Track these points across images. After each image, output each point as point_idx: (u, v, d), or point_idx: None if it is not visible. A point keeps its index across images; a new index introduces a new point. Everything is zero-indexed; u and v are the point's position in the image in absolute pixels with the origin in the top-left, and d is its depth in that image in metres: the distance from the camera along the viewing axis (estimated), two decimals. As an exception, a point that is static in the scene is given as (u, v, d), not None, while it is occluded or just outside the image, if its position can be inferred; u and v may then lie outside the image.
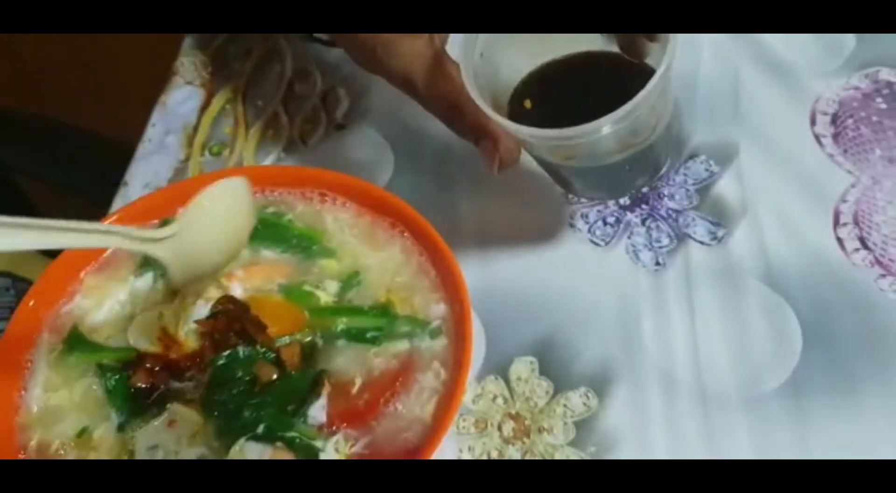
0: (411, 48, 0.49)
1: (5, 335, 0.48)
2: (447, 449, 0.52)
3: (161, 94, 0.74)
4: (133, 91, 1.13)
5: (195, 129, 0.71)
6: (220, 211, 0.43)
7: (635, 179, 0.55)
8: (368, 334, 0.47)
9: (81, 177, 0.91)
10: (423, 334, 0.48)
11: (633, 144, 0.49)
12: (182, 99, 0.73)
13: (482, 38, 0.48)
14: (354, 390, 0.46)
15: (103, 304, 0.50)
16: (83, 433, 0.46)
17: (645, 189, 0.56)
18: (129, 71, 1.30)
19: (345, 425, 0.45)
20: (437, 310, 0.48)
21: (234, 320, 0.46)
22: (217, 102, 0.72)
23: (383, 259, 0.51)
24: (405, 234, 0.51)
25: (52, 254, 0.97)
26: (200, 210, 0.42)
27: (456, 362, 0.46)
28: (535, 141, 0.46)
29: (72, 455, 0.45)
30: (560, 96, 0.53)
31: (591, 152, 0.48)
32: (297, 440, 0.44)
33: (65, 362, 0.48)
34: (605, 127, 0.44)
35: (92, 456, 0.45)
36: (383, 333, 0.47)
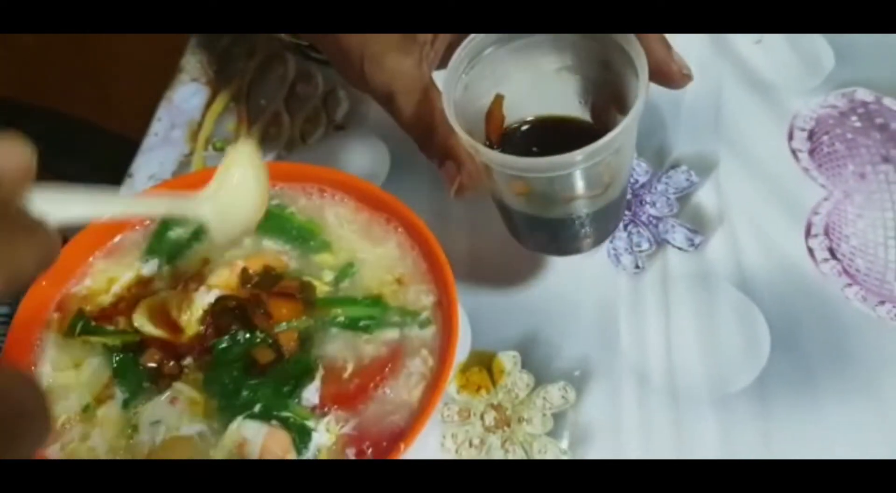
0: (398, 65, 0.51)
1: (18, 314, 0.50)
2: (431, 436, 0.55)
3: (167, 90, 0.76)
4: (133, 86, 1.16)
5: (200, 125, 0.73)
6: (247, 170, 0.45)
7: (578, 240, 0.56)
8: (361, 323, 0.50)
9: (81, 168, 0.93)
10: (413, 323, 0.51)
11: (583, 197, 0.50)
12: (188, 95, 0.76)
13: (470, 75, 0.50)
14: (346, 374, 0.49)
15: (110, 288, 0.53)
16: (88, 409, 0.48)
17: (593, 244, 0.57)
18: (130, 64, 1.32)
19: (336, 407, 0.47)
20: (427, 301, 0.51)
21: (241, 309, 0.49)
22: (221, 100, 0.75)
23: (379, 254, 0.53)
24: (399, 230, 0.54)
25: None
26: (230, 171, 0.45)
27: (443, 349, 0.49)
28: (497, 168, 0.47)
29: (77, 429, 0.48)
30: (527, 143, 0.54)
31: (545, 191, 0.49)
32: (292, 420, 0.47)
33: (72, 343, 0.51)
34: (567, 164, 0.46)
35: (96, 431, 0.47)
36: (375, 322, 0.50)
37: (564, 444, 0.55)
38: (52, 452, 0.47)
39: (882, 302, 0.59)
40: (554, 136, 0.49)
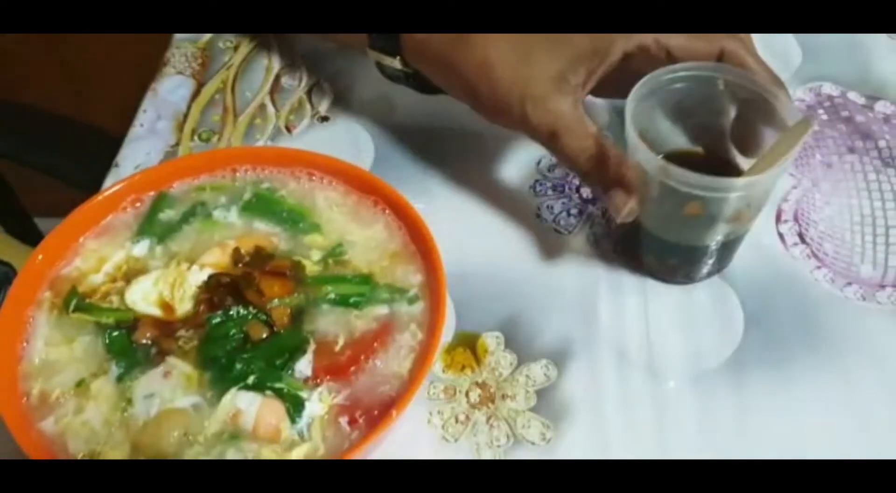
0: (559, 106, 0.55)
1: (10, 293, 0.51)
2: (419, 413, 0.56)
3: (152, 82, 0.77)
4: (112, 81, 1.16)
5: (185, 116, 0.74)
6: None
7: (702, 268, 0.60)
8: (351, 300, 0.52)
9: (68, 163, 0.93)
10: (402, 300, 0.52)
11: (739, 222, 0.56)
12: (173, 87, 0.77)
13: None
14: (338, 347, 0.50)
15: (101, 268, 0.53)
16: (81, 384, 0.49)
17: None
18: (108, 60, 1.32)
19: (328, 378, 0.49)
20: (415, 280, 0.53)
21: (234, 286, 0.50)
22: (207, 92, 0.76)
23: (368, 236, 0.55)
24: (387, 212, 0.56)
25: (24, 239, 0.99)
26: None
27: (431, 324, 0.50)
28: (683, 188, 0.51)
29: (71, 404, 0.48)
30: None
31: (713, 213, 0.54)
32: (285, 390, 0.48)
33: (64, 321, 0.51)
34: (760, 183, 0.51)
35: (91, 405, 0.48)
36: (365, 298, 0.52)
37: (547, 419, 0.56)
38: (47, 425, 0.47)
39: (849, 283, 0.61)
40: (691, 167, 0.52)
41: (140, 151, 0.71)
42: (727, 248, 0.59)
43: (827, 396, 0.57)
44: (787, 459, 0.53)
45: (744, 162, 0.58)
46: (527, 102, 0.56)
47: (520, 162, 0.70)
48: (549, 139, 0.56)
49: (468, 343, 0.60)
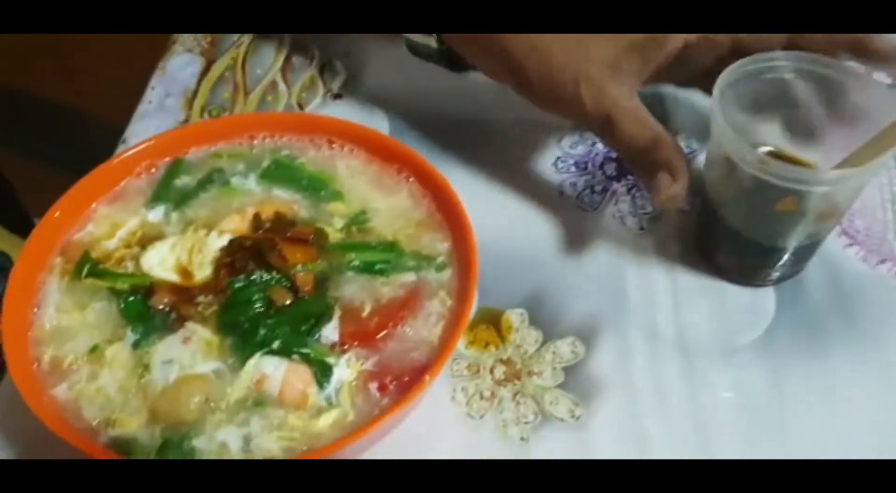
0: (617, 92, 0.54)
1: (20, 258, 0.48)
2: (442, 391, 0.54)
3: (160, 60, 0.75)
4: (110, 66, 1.13)
5: (195, 93, 0.72)
6: None
7: (778, 268, 0.58)
8: (377, 267, 0.50)
9: (69, 153, 0.91)
10: (429, 267, 0.50)
11: (827, 220, 0.54)
12: (181, 65, 0.75)
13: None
14: (364, 314, 0.48)
15: (115, 233, 0.51)
16: (95, 350, 0.47)
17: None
18: (103, 46, 1.29)
19: (356, 344, 0.47)
20: (442, 247, 0.51)
21: (256, 251, 0.48)
22: (216, 69, 0.74)
23: (392, 204, 0.53)
24: (411, 179, 0.54)
25: (17, 230, 0.96)
26: None
27: (461, 290, 0.48)
28: (781, 183, 0.49)
29: (85, 370, 0.46)
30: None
31: (807, 208, 0.51)
32: (312, 355, 0.45)
33: (76, 287, 0.49)
34: (858, 175, 0.50)
35: (105, 371, 0.46)
36: (391, 265, 0.50)
37: (576, 396, 0.54)
38: (60, 391, 0.45)
39: (882, 261, 0.60)
40: None
41: (149, 127, 0.69)
42: (807, 249, 0.57)
43: (862, 374, 0.55)
44: (827, 459, 0.51)
45: (816, 160, 0.56)
46: (581, 83, 0.53)
47: (540, 138, 0.68)
48: (604, 125, 0.54)
49: (491, 320, 0.58)
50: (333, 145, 0.55)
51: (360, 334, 0.47)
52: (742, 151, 0.50)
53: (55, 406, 0.44)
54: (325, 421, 0.44)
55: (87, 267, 0.49)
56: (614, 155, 0.67)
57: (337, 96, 0.72)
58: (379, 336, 0.47)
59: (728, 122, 0.51)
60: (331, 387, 0.45)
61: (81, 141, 0.91)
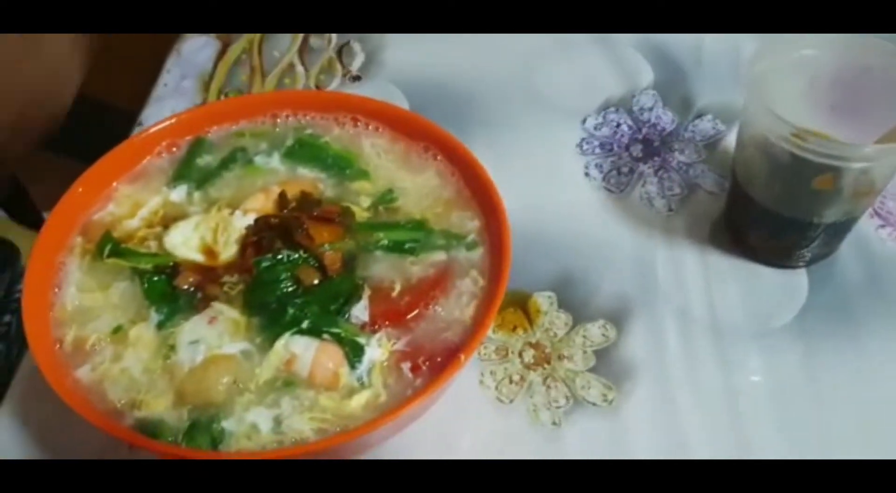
0: None
1: (39, 238, 0.47)
2: (470, 374, 0.53)
3: (175, 43, 0.74)
4: (123, 55, 1.12)
5: (211, 75, 0.71)
6: None
7: (810, 248, 0.56)
8: (406, 246, 0.48)
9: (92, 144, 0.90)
10: (460, 245, 0.49)
11: (862, 198, 0.53)
12: (197, 48, 0.73)
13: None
14: (394, 293, 0.47)
15: (136, 213, 0.50)
16: (119, 331, 0.45)
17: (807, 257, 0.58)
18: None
19: (387, 323, 0.45)
20: (472, 225, 0.50)
21: (283, 229, 0.46)
22: (233, 52, 0.73)
23: (419, 183, 0.52)
24: (438, 157, 0.52)
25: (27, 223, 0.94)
26: None
27: (494, 269, 0.47)
28: (817, 159, 0.48)
29: (108, 351, 0.45)
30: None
31: (843, 186, 0.50)
32: (343, 335, 0.44)
33: (98, 267, 0.48)
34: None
35: (129, 352, 0.45)
36: (420, 244, 0.48)
37: (608, 380, 0.53)
38: (83, 373, 0.44)
39: (916, 241, 0.59)
40: None
41: (165, 109, 0.68)
42: (842, 227, 0.55)
43: (897, 355, 0.54)
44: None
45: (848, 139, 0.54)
46: None
47: (562, 120, 0.67)
48: None
49: (519, 303, 0.57)
50: (358, 123, 0.54)
51: (390, 314, 0.45)
52: (779, 127, 0.49)
53: (79, 388, 0.43)
54: (358, 402, 0.43)
55: (109, 247, 0.48)
56: (640, 136, 0.66)
57: (356, 78, 0.71)
58: (410, 316, 0.46)
59: (763, 100, 0.50)
60: (362, 367, 0.44)
61: (94, 128, 0.90)
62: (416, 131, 0.53)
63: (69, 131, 0.91)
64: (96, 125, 0.91)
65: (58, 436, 0.49)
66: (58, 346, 0.45)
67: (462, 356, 0.42)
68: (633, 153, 0.65)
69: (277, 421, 0.42)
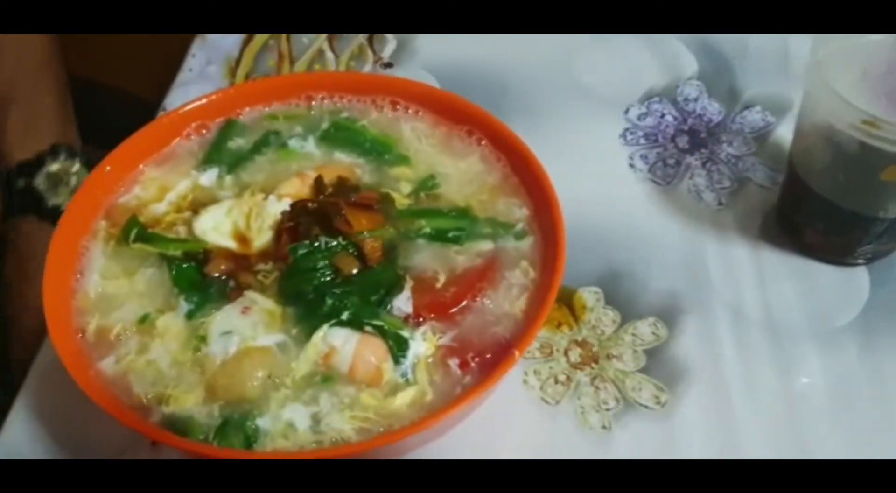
0: None
1: (61, 222, 0.44)
2: (513, 373, 0.50)
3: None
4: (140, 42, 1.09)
5: (237, 61, 0.68)
6: None
7: (874, 247, 0.53)
8: (450, 234, 0.46)
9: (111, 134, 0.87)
10: (508, 234, 0.46)
11: None
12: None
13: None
14: (439, 284, 0.44)
15: (164, 197, 0.47)
16: (145, 320, 0.43)
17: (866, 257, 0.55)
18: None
19: (432, 316, 0.42)
20: (521, 213, 0.47)
21: (321, 214, 0.44)
22: (260, 37, 0.70)
23: (463, 169, 0.49)
24: (483, 142, 0.50)
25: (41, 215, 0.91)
26: None
27: (546, 260, 0.44)
28: (889, 147, 0.46)
29: (134, 341, 0.42)
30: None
31: None
32: (386, 328, 0.41)
33: (123, 252, 0.45)
34: None
35: (156, 343, 0.42)
36: (465, 233, 0.46)
37: (660, 381, 0.50)
38: (107, 365, 0.41)
39: (982, 237, 0.55)
40: None
41: (189, 95, 0.65)
42: None
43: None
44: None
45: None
46: None
47: (603, 109, 0.64)
48: None
49: (563, 299, 0.54)
50: (398, 107, 0.51)
51: (435, 306, 0.43)
52: (847, 114, 0.46)
53: (102, 381, 0.40)
54: (402, 400, 0.40)
55: (135, 232, 0.45)
56: (686, 127, 0.63)
57: (387, 65, 0.68)
58: (456, 309, 0.43)
59: (827, 86, 0.47)
60: (407, 363, 0.41)
61: (112, 117, 0.87)
62: (459, 115, 0.50)
63: (89, 122, 0.89)
64: (117, 115, 0.89)
65: (76, 433, 0.46)
66: (80, 336, 0.42)
67: (516, 352, 0.39)
68: (679, 144, 0.62)
69: (316, 419, 0.39)
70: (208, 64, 0.68)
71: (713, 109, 0.64)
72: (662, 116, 0.64)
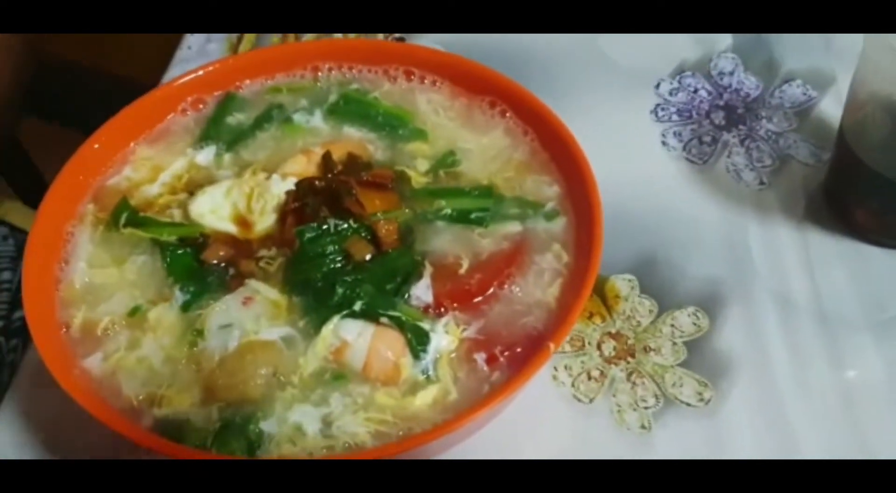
0: None
1: (43, 205, 0.40)
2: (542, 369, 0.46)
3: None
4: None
5: (239, 38, 0.64)
6: None
7: None
8: (473, 215, 0.42)
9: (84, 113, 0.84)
10: (537, 215, 0.42)
11: None
12: (223, 7, 0.67)
13: None
14: (462, 271, 0.40)
15: (157, 177, 0.43)
16: (136, 312, 0.39)
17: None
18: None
19: (455, 306, 0.38)
20: (551, 191, 0.43)
21: (330, 194, 0.39)
22: (263, 11, 0.66)
23: (485, 145, 0.45)
24: (507, 114, 0.45)
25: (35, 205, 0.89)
26: None
27: (581, 242, 0.40)
28: None
29: (123, 336, 0.38)
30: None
31: None
32: (404, 319, 0.37)
33: (112, 238, 0.42)
34: None
35: (148, 337, 0.38)
36: (489, 214, 0.42)
37: (703, 376, 0.45)
38: (93, 362, 0.37)
39: None
40: None
41: (188, 72, 0.61)
42: None
43: None
44: None
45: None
46: None
47: (632, 85, 0.60)
48: None
49: (595, 287, 0.48)
50: (412, 77, 0.47)
51: (458, 295, 0.39)
52: None
53: (88, 381, 0.37)
54: (423, 400, 0.36)
55: (126, 215, 0.42)
56: (722, 102, 0.58)
57: (400, 39, 0.64)
58: (482, 298, 0.39)
59: (893, 47, 0.42)
60: (428, 358, 0.37)
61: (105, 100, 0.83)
62: (481, 84, 0.46)
63: (79, 105, 0.85)
64: (105, 96, 0.85)
65: (65, 436, 0.42)
66: (64, 331, 0.39)
67: (551, 345, 0.35)
68: (715, 121, 0.57)
69: (326, 422, 0.36)
70: (208, 41, 0.64)
71: (750, 84, 0.60)
72: (696, 90, 0.60)
